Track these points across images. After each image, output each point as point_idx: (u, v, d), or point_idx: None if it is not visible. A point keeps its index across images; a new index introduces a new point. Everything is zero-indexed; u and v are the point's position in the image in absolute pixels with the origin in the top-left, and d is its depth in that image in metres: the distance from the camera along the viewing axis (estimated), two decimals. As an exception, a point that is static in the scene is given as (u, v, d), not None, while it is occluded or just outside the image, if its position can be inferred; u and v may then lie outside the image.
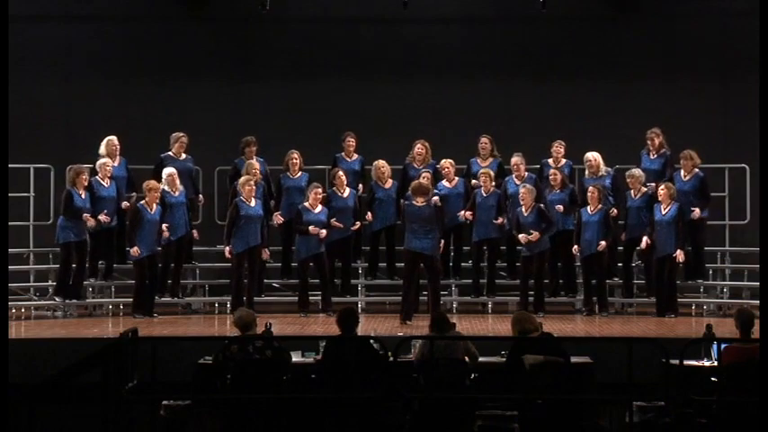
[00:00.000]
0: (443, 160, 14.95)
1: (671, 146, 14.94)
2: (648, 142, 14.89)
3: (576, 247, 14.27)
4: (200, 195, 15.39)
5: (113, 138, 14.88)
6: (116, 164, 14.83)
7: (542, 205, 14.18)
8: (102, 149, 14.82)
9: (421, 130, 15.72)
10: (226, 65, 16.99)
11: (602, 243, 14.09)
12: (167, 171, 14.52)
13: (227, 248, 14.08)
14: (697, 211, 14.50)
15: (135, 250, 13.85)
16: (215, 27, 17.15)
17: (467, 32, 17.08)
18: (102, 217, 14.25)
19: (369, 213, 14.99)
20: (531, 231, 13.98)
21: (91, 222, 14.17)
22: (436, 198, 14.12)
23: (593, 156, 14.78)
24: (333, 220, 14.32)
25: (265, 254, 14.51)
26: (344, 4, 16.94)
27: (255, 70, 16.97)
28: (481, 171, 14.76)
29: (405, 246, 13.74)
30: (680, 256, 13.92)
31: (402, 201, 14.34)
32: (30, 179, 15.29)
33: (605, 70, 16.78)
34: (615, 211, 14.49)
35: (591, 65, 16.81)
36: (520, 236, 14.06)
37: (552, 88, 16.71)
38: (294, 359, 10.35)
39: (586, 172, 14.87)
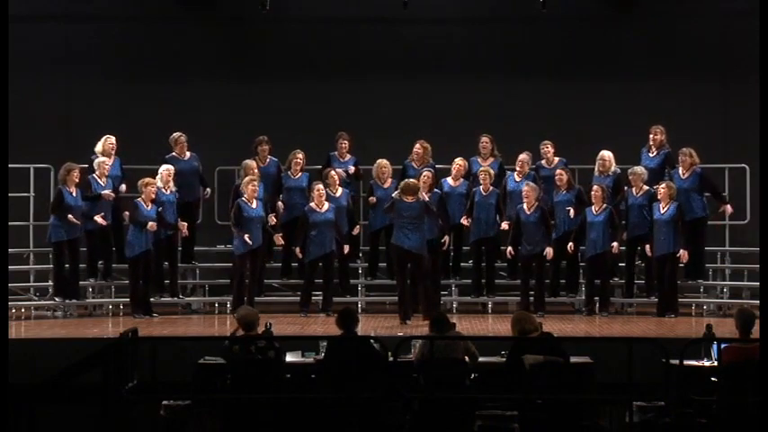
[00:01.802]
0: (458, 158, 14.94)
1: (671, 145, 14.94)
2: (651, 138, 14.89)
3: (570, 244, 14.24)
4: (207, 189, 15.37)
5: (111, 137, 14.89)
6: (110, 163, 14.84)
7: (544, 207, 14.20)
8: (99, 147, 14.84)
9: (421, 130, 15.71)
10: (226, 65, 16.99)
11: (614, 245, 14.11)
12: (164, 167, 14.56)
13: (247, 236, 13.99)
14: (728, 207, 14.71)
15: (152, 225, 13.83)
16: (215, 27, 17.15)
17: (467, 32, 17.08)
18: (98, 219, 14.25)
19: (372, 197, 14.91)
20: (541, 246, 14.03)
21: (77, 222, 14.17)
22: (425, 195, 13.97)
23: (608, 155, 14.77)
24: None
25: (278, 240, 14.55)
26: (344, 4, 16.93)
27: (255, 70, 16.96)
28: (481, 169, 14.76)
29: (392, 240, 13.69)
30: (683, 256, 13.93)
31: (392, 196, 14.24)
32: (30, 179, 15.29)
33: (605, 70, 16.77)
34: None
35: (591, 65, 16.79)
36: (509, 249, 14.16)
37: (552, 88, 16.70)
38: (294, 359, 10.38)
39: (596, 170, 14.86)
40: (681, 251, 13.90)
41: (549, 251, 14.06)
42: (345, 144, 15.34)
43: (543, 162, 15.10)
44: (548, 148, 15.07)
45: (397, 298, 13.88)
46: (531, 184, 14.31)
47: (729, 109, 16.63)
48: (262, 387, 9.50)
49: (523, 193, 14.18)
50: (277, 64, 16.90)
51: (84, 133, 16.04)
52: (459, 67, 16.77)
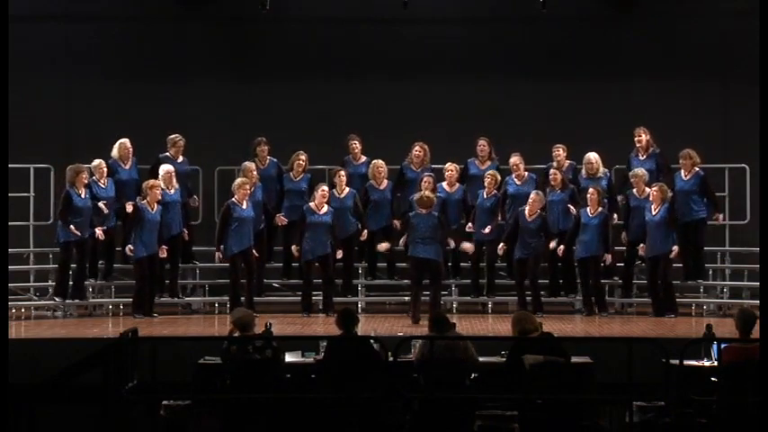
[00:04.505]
0: (448, 164, 14.94)
1: (671, 145, 14.95)
2: (636, 142, 14.87)
3: (559, 247, 14.23)
4: (195, 197, 15.35)
5: (126, 140, 14.86)
6: (128, 167, 14.83)
7: (545, 217, 14.23)
8: (115, 152, 14.82)
9: (420, 131, 15.72)
10: (226, 65, 16.98)
11: (608, 256, 14.15)
12: (165, 168, 14.54)
13: (218, 253, 14.17)
14: (720, 216, 14.67)
15: (129, 249, 13.85)
16: (215, 27, 17.15)
17: (467, 32, 17.07)
18: (98, 232, 14.25)
19: (364, 232, 14.93)
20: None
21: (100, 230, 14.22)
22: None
23: (594, 158, 14.77)
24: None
25: (280, 219, 14.83)
26: (344, 4, 16.92)
27: (255, 70, 16.95)
28: (489, 172, 14.74)
29: (410, 253, 13.73)
30: (676, 252, 13.96)
31: (408, 213, 14.22)
32: (30, 179, 15.28)
33: (605, 70, 16.76)
34: (616, 216, 14.47)
35: (591, 65, 16.79)
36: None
37: (552, 88, 16.70)
38: (294, 359, 10.37)
39: (583, 172, 14.86)
40: (674, 248, 13.92)
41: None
42: (357, 146, 15.30)
43: (554, 164, 14.98)
44: (559, 152, 14.98)
45: (399, 298, 13.93)
46: (541, 194, 14.28)
47: (729, 109, 16.63)
48: (260, 387, 9.50)
49: (530, 199, 14.15)
50: (277, 64, 16.90)
51: (84, 133, 16.08)
52: (460, 67, 16.76)
